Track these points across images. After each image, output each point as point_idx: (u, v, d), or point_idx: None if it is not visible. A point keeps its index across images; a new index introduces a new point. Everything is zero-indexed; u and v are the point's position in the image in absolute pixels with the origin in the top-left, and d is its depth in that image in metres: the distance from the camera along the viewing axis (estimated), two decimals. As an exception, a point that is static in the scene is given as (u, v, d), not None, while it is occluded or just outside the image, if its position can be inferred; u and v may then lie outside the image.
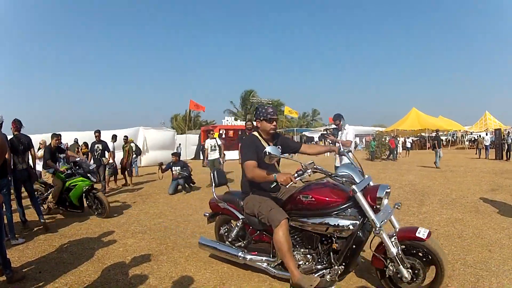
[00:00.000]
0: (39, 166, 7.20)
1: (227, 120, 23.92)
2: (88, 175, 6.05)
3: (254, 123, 3.03)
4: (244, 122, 15.85)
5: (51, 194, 5.95)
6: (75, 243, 4.49)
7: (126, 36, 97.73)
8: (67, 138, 11.84)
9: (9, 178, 4.65)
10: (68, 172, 6.09)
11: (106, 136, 9.53)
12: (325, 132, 5.87)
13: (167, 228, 5.17)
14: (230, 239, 3.34)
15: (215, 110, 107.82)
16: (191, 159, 21.02)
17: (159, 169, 9.06)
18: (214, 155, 9.36)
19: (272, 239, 2.71)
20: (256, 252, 3.11)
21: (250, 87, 42.07)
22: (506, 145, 16.59)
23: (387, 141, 20.24)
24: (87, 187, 5.91)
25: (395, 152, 19.84)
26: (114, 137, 10.21)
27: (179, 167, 8.83)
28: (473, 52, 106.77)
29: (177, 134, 22.59)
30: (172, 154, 9.55)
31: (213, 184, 3.58)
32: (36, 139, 9.86)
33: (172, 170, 8.92)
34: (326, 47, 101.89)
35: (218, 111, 75.51)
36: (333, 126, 5.96)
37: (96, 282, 3.20)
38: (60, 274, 3.39)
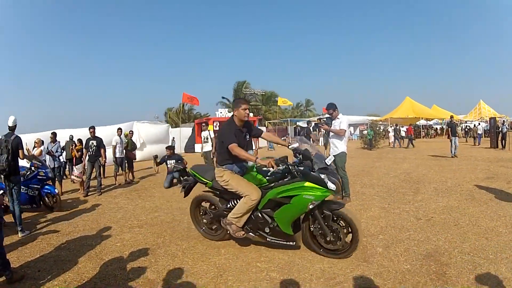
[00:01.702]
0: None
1: (221, 112, 23.71)
2: (314, 174, 3.12)
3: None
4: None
5: (233, 210, 3.41)
6: (72, 240, 4.46)
7: (117, 31, 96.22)
8: (62, 136, 11.71)
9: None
10: (278, 170, 3.18)
11: (105, 132, 9.27)
12: (319, 122, 5.83)
13: (163, 221, 5.15)
14: None
15: (208, 102, 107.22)
16: (185, 152, 20.97)
17: (154, 161, 8.98)
18: (206, 147, 9.35)
19: None
20: None
21: (242, 78, 41.70)
22: (500, 133, 16.70)
23: (381, 130, 20.27)
24: (316, 201, 3.09)
25: (395, 141, 19.95)
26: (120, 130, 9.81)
27: (174, 160, 8.79)
28: (466, 41, 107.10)
29: (171, 127, 22.43)
30: (167, 148, 9.48)
31: None
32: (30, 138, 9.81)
33: (167, 164, 8.88)
34: (320, 37, 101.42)
35: (211, 103, 75.12)
36: (327, 115, 5.91)
37: (95, 278, 3.19)
38: (59, 272, 3.37)
